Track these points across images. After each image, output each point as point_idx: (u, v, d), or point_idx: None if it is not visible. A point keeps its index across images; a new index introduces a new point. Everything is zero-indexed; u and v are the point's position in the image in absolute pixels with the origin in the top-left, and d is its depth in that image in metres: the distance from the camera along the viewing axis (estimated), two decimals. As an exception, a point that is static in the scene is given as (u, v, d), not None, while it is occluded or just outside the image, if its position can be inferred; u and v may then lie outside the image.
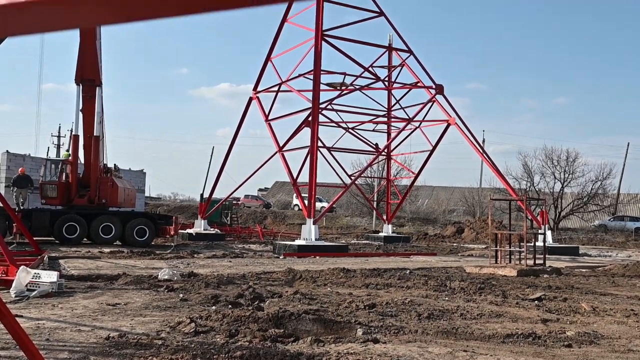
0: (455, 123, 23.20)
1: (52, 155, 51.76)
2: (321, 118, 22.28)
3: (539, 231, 18.70)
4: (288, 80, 23.50)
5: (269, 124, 24.01)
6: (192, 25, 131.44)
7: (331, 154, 24.77)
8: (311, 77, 21.80)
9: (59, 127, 60.18)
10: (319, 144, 21.91)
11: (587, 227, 45.07)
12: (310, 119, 21.09)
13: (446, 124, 23.65)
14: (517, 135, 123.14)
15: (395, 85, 26.00)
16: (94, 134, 20.15)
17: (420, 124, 25.01)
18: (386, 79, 26.28)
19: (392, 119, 26.69)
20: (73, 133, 20.90)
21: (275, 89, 24.22)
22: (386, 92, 26.80)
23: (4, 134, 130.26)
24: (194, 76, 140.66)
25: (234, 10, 0.78)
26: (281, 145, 22.70)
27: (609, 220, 44.44)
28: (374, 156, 26.78)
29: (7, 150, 27.68)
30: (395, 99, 26.81)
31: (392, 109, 27.04)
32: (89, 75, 19.96)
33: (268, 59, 24.19)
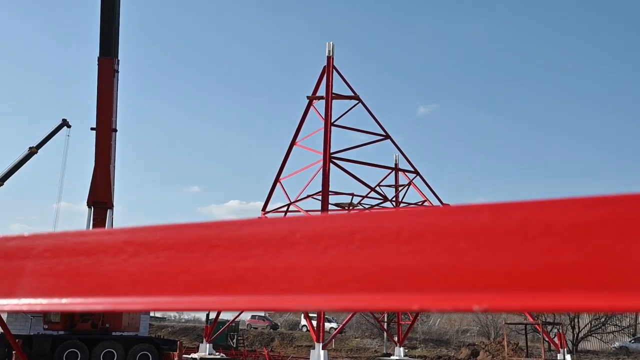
0: (465, 242, 23.10)
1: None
2: (329, 238, 22.26)
3: (558, 356, 17.93)
4: (297, 201, 23.81)
5: (278, 244, 23.96)
6: (205, 149, 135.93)
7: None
8: (319, 198, 22.10)
9: (68, 247, 60.33)
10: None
11: (607, 349, 43.21)
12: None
13: (455, 243, 23.54)
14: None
15: (402, 204, 26.24)
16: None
17: (429, 243, 24.91)
18: (394, 198, 26.59)
19: (401, 238, 26.64)
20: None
21: (284, 209, 24.47)
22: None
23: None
24: (204, 194, 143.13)
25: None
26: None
27: (630, 342, 42.69)
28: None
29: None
30: (403, 218, 26.93)
31: (400, 228, 27.07)
32: (101, 199, 20.32)
33: (277, 180, 24.69)
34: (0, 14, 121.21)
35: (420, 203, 24.85)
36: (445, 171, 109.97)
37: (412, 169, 24.94)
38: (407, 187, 25.83)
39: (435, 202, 23.83)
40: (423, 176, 24.77)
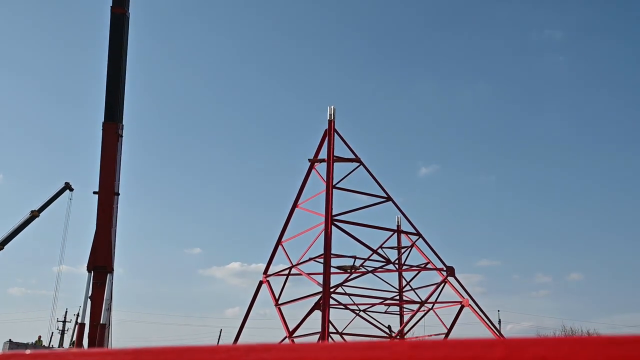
0: (469, 305, 22.72)
1: (55, 343, 50.40)
2: (332, 301, 21.95)
3: None
4: (299, 264, 23.60)
5: (279, 309, 23.59)
6: (206, 211, 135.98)
7: (343, 339, 23.94)
8: (322, 260, 21.91)
9: (66, 311, 59.51)
10: (331, 328, 21.30)
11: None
12: (320, 302, 20.77)
13: (460, 306, 23.14)
14: (534, 313, 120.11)
15: (405, 267, 25.99)
16: (101, 322, 19.78)
17: (433, 305, 24.52)
18: (396, 261, 26.35)
19: (404, 301, 26.24)
20: (79, 322, 20.54)
21: (286, 272, 24.21)
22: (397, 273, 26.72)
23: (12, 320, 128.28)
24: (205, 256, 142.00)
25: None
26: (291, 330, 22.07)
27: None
28: (388, 340, 25.82)
29: (10, 340, 27.08)
30: (406, 280, 26.63)
31: (404, 290, 26.72)
32: (101, 263, 20.20)
33: (279, 242, 24.55)
34: (4, 73, 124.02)
35: (422, 265, 24.60)
36: (447, 232, 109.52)
37: (415, 231, 24.83)
38: (409, 249, 25.64)
39: (439, 264, 23.60)
40: (425, 238, 24.63)
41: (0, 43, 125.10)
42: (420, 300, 24.50)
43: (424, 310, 24.69)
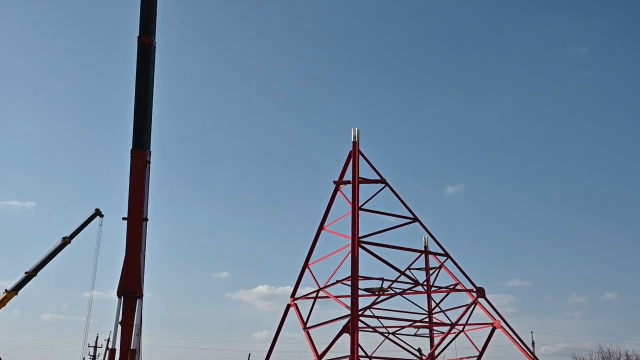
0: (501, 326, 22.28)
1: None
2: (360, 324, 21.75)
3: None
4: (326, 287, 23.48)
5: (307, 332, 23.45)
6: (233, 234, 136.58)
7: (372, 363, 23.64)
8: (349, 283, 21.78)
9: (97, 337, 60.03)
10: (360, 352, 21.08)
11: None
12: (349, 325, 20.60)
13: (491, 327, 22.71)
14: (569, 334, 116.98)
15: (434, 288, 25.66)
16: (131, 347, 19.92)
17: (463, 327, 24.12)
18: (425, 282, 26.05)
19: (434, 323, 25.87)
20: (110, 347, 20.71)
21: (313, 295, 24.11)
22: (426, 295, 26.38)
23: (45, 345, 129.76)
24: (233, 279, 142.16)
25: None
26: (320, 354, 21.89)
27: None
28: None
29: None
30: (435, 302, 26.27)
31: (433, 312, 26.36)
32: (131, 288, 20.40)
33: (306, 265, 24.50)
34: (36, 103, 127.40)
35: (452, 286, 24.26)
36: (476, 252, 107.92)
37: (443, 252, 24.55)
38: (438, 270, 25.33)
39: (468, 285, 23.25)
40: (454, 258, 24.32)
41: (32, 72, 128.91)
42: (450, 322, 24.12)
43: (454, 333, 24.28)
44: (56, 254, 49.03)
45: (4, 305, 46.71)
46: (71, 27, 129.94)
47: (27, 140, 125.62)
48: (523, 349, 22.28)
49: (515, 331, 22.67)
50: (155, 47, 25.40)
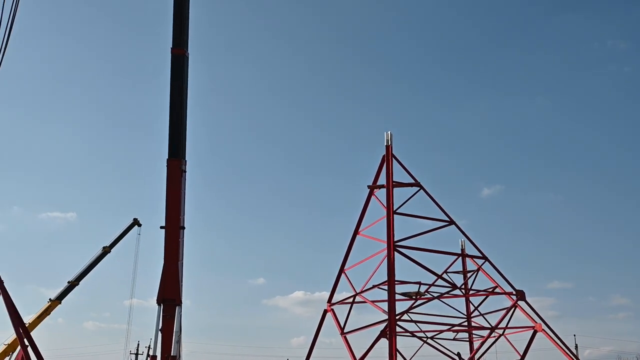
0: (543, 329, 21.83)
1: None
2: (398, 329, 21.59)
3: None
4: (363, 292, 23.40)
5: (345, 337, 23.39)
6: (269, 241, 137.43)
7: (411, 368, 23.43)
8: (385, 287, 21.66)
9: (138, 344, 60.99)
10: (398, 357, 20.92)
11: None
12: (387, 330, 20.48)
13: (533, 331, 22.26)
14: (614, 337, 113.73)
15: (472, 292, 25.30)
16: (172, 354, 20.18)
17: (503, 331, 23.68)
18: (462, 285, 25.71)
19: (473, 327, 25.49)
20: (151, 354, 21.03)
21: (350, 300, 24.05)
22: (464, 298, 26.03)
23: (88, 353, 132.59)
24: (269, 285, 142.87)
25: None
26: (358, 359, 21.81)
27: None
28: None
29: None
30: (474, 305, 25.89)
31: (472, 316, 25.99)
32: (170, 296, 20.68)
33: (342, 270, 24.46)
34: (73, 116, 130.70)
35: (490, 290, 23.88)
36: (514, 254, 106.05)
37: (480, 254, 24.21)
38: (475, 273, 24.98)
39: (507, 288, 22.86)
40: (492, 261, 23.96)
41: (71, 86, 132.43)
42: (490, 326, 23.74)
43: (494, 336, 23.88)
44: (97, 264, 50.12)
45: (49, 314, 47.89)
46: (107, 37, 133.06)
47: (67, 153, 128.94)
48: (566, 352, 21.77)
49: (558, 334, 22.20)
50: (188, 58, 25.80)
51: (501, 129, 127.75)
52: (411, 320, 23.77)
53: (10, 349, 43.23)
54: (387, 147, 23.87)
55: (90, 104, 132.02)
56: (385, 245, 21.92)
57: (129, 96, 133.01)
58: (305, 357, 24.96)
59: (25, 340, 18.68)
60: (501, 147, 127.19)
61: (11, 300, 19.04)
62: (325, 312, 24.65)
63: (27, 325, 22.61)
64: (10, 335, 41.76)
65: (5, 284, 19.63)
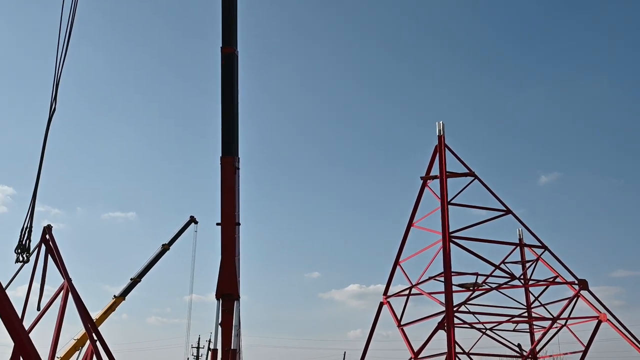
0: (608, 319, 21.14)
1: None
2: (456, 320, 21.35)
3: None
4: (418, 284, 23.25)
5: (402, 330, 23.32)
6: (323, 235, 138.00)
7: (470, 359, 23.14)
8: (442, 279, 21.45)
9: (199, 338, 62.58)
10: (457, 348, 20.69)
11: None
12: (444, 322, 20.30)
13: (597, 321, 21.60)
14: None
15: (531, 282, 24.72)
16: (232, 347, 20.62)
17: (566, 321, 23.07)
18: (521, 276, 25.16)
19: (534, 318, 24.93)
20: (212, 347, 21.56)
21: (406, 292, 23.94)
22: (523, 289, 25.47)
23: (151, 347, 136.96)
24: (324, 279, 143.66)
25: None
26: (416, 351, 21.71)
27: None
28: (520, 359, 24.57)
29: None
30: (534, 296, 25.30)
31: (532, 306, 25.42)
32: (228, 290, 21.10)
33: (397, 262, 24.37)
34: (132, 120, 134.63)
35: (551, 279, 23.27)
36: (575, 243, 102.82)
37: (539, 244, 23.61)
38: (534, 263, 24.38)
39: (569, 278, 22.23)
40: (552, 250, 23.32)
41: (125, 86, 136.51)
42: (551, 317, 23.16)
43: (556, 327, 23.29)
44: (157, 261, 51.71)
45: (114, 310, 49.75)
46: (160, 38, 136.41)
47: (126, 155, 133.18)
48: (633, 342, 21.02)
49: (624, 324, 21.45)
50: (237, 56, 26.14)
51: (558, 115, 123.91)
52: (469, 312, 23.46)
53: (79, 343, 45.19)
54: (440, 137, 23.55)
55: (147, 105, 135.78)
56: (440, 237, 21.68)
57: (183, 97, 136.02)
58: (362, 350, 25.05)
59: (94, 335, 19.48)
60: (558, 133, 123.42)
61: (80, 299, 19.90)
62: (381, 304, 24.62)
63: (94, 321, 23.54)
64: (79, 330, 43.60)
65: (72, 282, 20.52)
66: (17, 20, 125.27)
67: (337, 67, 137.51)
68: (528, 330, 26.06)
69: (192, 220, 52.90)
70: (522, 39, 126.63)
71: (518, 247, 25.16)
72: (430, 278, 22.80)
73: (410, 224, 23.98)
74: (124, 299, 49.94)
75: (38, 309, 20.32)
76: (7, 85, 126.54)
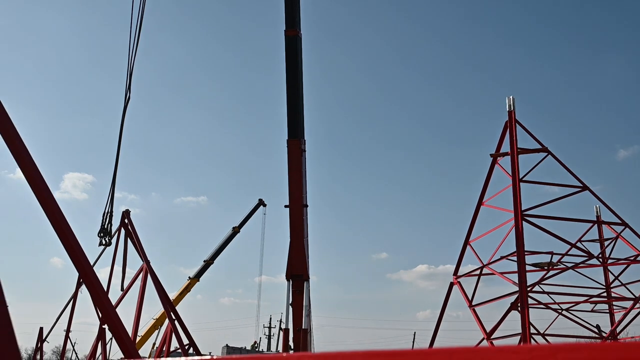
0: (695, 300, 20.00)
1: (264, 346, 54.47)
2: (530, 300, 20.80)
3: None
4: (490, 264, 22.77)
5: (474, 310, 22.96)
6: (391, 215, 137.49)
7: (546, 341, 22.54)
8: (514, 258, 20.90)
9: (270, 318, 64.05)
10: (532, 330, 20.18)
11: None
12: (518, 302, 19.80)
13: (684, 301, 20.49)
14: None
15: (610, 260, 23.70)
16: (303, 327, 20.98)
17: (649, 302, 22.00)
18: (599, 254, 24.15)
19: (613, 298, 23.93)
20: (284, 327, 22.00)
21: (477, 272, 23.50)
22: (601, 268, 24.48)
23: (225, 327, 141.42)
24: (392, 260, 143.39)
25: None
26: (488, 332, 21.34)
27: None
28: (599, 341, 23.71)
29: (227, 345, 29.92)
30: (614, 275, 24.26)
31: (612, 286, 24.38)
32: (297, 271, 21.42)
33: (467, 242, 23.92)
34: (203, 112, 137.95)
35: (632, 258, 22.21)
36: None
37: (619, 221, 22.55)
38: (614, 241, 23.33)
39: (652, 256, 21.13)
40: (633, 227, 22.23)
41: (191, 75, 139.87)
42: (633, 297, 22.16)
43: (638, 308, 22.27)
44: (228, 243, 53.11)
45: (189, 291, 51.61)
46: (225, 23, 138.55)
47: (195, 141, 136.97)
48: None
49: None
50: (301, 38, 26.17)
51: (637, 82, 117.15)
52: (543, 292, 22.80)
53: (158, 322, 47.25)
54: (510, 112, 22.80)
55: (215, 91, 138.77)
56: (512, 215, 21.07)
57: (249, 80, 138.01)
58: (433, 330, 24.87)
59: (172, 314, 20.31)
60: (638, 103, 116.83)
61: (158, 280, 20.75)
62: (451, 284, 24.30)
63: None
64: (158, 310, 45.59)
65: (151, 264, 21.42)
66: (91, 11, 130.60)
67: (404, 40, 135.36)
68: (607, 311, 25.05)
69: (261, 203, 53.87)
70: (595, 10, 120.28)
71: (595, 225, 24.14)
72: (502, 257, 22.26)
73: (480, 203, 23.43)
74: (198, 280, 51.65)
75: (122, 289, 21.34)
76: (84, 76, 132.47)
